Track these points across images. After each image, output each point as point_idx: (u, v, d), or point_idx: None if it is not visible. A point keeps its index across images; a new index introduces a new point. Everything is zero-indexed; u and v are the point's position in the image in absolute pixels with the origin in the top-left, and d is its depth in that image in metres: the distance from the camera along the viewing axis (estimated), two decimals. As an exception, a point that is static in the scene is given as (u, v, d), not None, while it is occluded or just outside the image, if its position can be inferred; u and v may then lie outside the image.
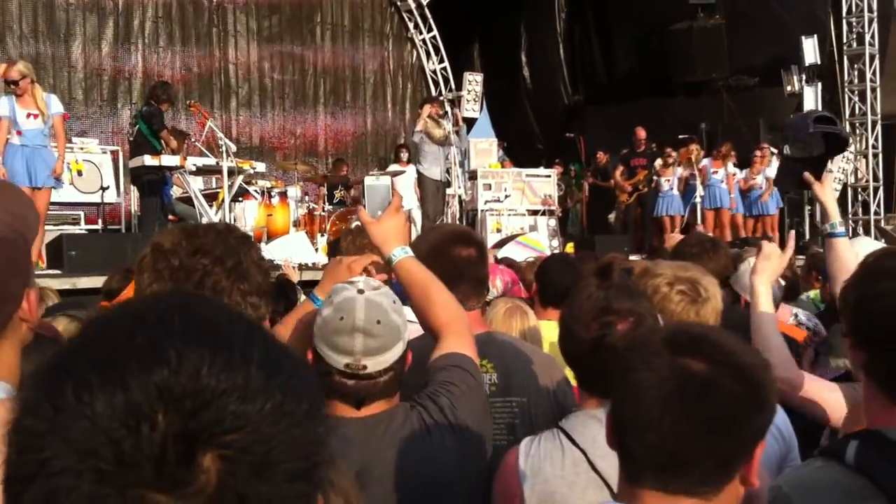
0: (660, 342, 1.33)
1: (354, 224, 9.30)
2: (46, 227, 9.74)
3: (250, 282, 1.90)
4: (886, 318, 1.64)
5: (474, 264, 2.62)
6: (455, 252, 2.59)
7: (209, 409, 0.67)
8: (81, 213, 12.12)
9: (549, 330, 3.69)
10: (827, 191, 3.06)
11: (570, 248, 13.17)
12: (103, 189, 11.27)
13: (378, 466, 1.93)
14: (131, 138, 10.31)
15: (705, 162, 14.64)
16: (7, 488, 0.67)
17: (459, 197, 14.90)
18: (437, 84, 18.57)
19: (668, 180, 14.50)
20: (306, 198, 12.69)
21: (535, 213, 14.61)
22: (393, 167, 13.62)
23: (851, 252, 2.92)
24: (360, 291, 1.95)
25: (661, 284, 2.57)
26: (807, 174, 2.96)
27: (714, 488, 1.29)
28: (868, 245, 5.63)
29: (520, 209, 14.64)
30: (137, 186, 10.70)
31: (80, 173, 11.69)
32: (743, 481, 1.31)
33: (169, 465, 0.65)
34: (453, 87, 18.51)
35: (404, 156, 14.07)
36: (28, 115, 8.63)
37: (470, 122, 18.81)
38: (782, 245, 2.82)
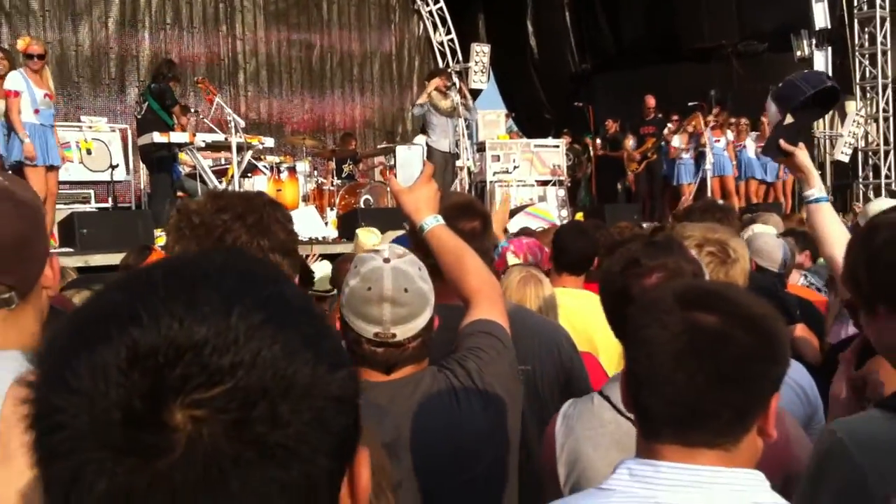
0: (671, 299, 1.35)
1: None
2: (57, 206, 9.80)
3: (272, 238, 1.88)
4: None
5: (478, 237, 2.61)
6: (458, 225, 2.57)
7: (178, 364, 0.62)
8: (91, 192, 12.18)
9: (565, 297, 3.68)
10: (806, 157, 3.03)
11: (579, 217, 13.15)
12: (113, 167, 11.29)
13: (407, 428, 1.94)
14: (139, 116, 10.31)
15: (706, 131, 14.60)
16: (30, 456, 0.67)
17: (468, 168, 14.88)
18: (444, 56, 18.49)
19: (687, 148, 14.44)
20: (315, 172, 12.69)
21: (544, 183, 14.57)
22: (418, 139, 13.55)
23: (836, 217, 2.92)
24: (387, 260, 1.96)
25: (689, 246, 2.58)
26: (782, 142, 2.93)
27: (732, 439, 1.31)
28: (885, 204, 5.59)
29: (528, 180, 14.61)
30: (147, 163, 10.73)
31: (89, 152, 11.72)
32: (760, 432, 1.33)
33: (136, 427, 0.61)
34: (460, 58, 18.43)
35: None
36: (44, 95, 8.65)
37: (477, 94, 18.74)
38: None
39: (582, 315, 3.45)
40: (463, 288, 2.22)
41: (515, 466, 2.16)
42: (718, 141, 14.48)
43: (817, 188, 2.92)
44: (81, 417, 0.62)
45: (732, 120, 15.01)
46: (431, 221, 2.29)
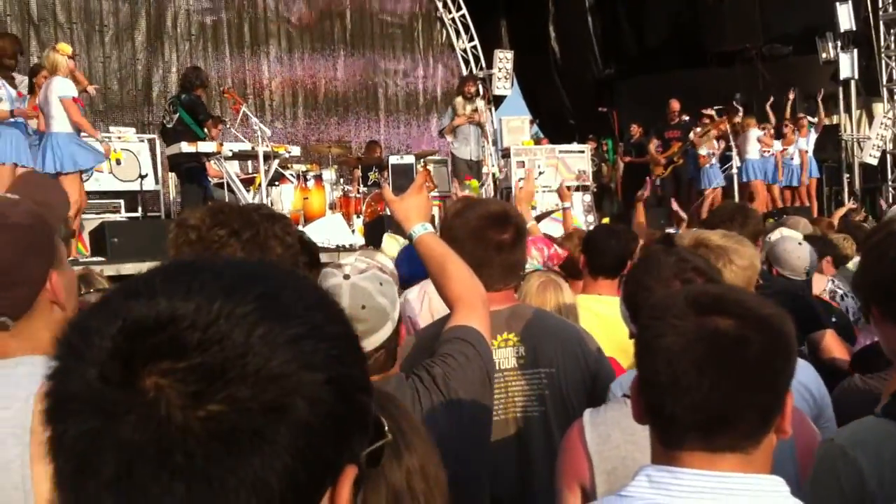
0: (683, 305, 1.35)
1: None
2: (88, 216, 9.92)
3: (267, 254, 1.91)
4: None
5: (506, 249, 2.61)
6: (487, 236, 2.59)
7: (156, 334, 0.67)
8: (122, 202, 12.32)
9: (600, 305, 3.64)
10: None
11: (605, 222, 13.12)
12: (142, 177, 11.42)
13: None
14: (169, 125, 10.41)
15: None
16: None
17: (493, 175, 14.89)
18: (467, 62, 18.53)
19: (714, 153, 14.37)
20: (341, 180, 12.77)
21: (569, 188, 14.55)
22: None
23: None
24: (346, 277, 2.01)
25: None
26: None
27: (755, 441, 1.32)
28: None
29: (554, 185, 14.58)
30: (177, 173, 10.83)
31: (118, 162, 11.85)
32: (778, 430, 1.35)
33: (107, 384, 0.66)
34: (484, 65, 18.46)
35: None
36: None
37: (501, 100, 18.77)
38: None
39: (616, 323, 3.45)
40: (446, 295, 2.26)
41: (485, 473, 2.18)
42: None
43: None
44: (72, 373, 0.69)
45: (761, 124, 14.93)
46: (419, 230, 2.33)
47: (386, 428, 0.82)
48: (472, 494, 2.14)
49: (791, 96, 15.58)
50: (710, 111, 14.22)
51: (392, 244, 6.02)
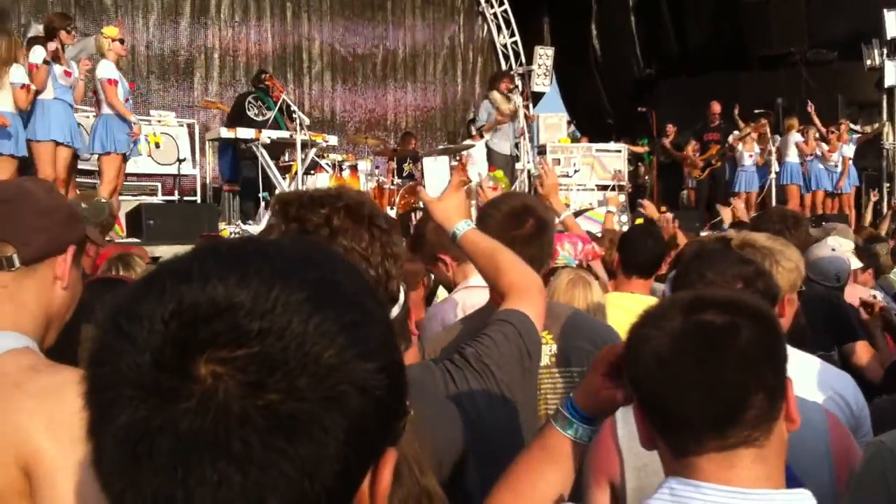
0: (667, 308, 1.35)
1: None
2: (126, 197, 10.05)
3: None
4: None
5: (528, 243, 2.57)
6: (510, 233, 2.56)
7: (213, 322, 0.67)
8: (159, 185, 12.48)
9: (629, 301, 3.67)
10: None
11: (639, 222, 13.06)
12: (180, 161, 11.54)
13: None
14: (260, 118, 10.67)
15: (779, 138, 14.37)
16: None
17: (529, 171, 14.86)
18: (507, 58, 18.48)
19: (751, 155, 14.23)
20: (376, 171, 12.81)
21: (604, 188, 14.51)
22: (467, 142, 13.62)
23: None
24: None
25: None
26: None
27: (766, 430, 1.29)
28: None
29: (589, 184, 14.56)
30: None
31: (157, 145, 11.98)
32: (786, 419, 1.32)
33: (162, 371, 0.66)
34: (524, 61, 18.41)
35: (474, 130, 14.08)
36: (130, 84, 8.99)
37: (539, 97, 18.70)
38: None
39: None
40: (500, 286, 2.24)
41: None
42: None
43: None
44: (123, 357, 0.68)
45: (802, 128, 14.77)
46: (463, 227, 2.31)
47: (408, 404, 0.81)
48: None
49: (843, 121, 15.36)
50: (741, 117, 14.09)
51: None
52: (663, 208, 6.89)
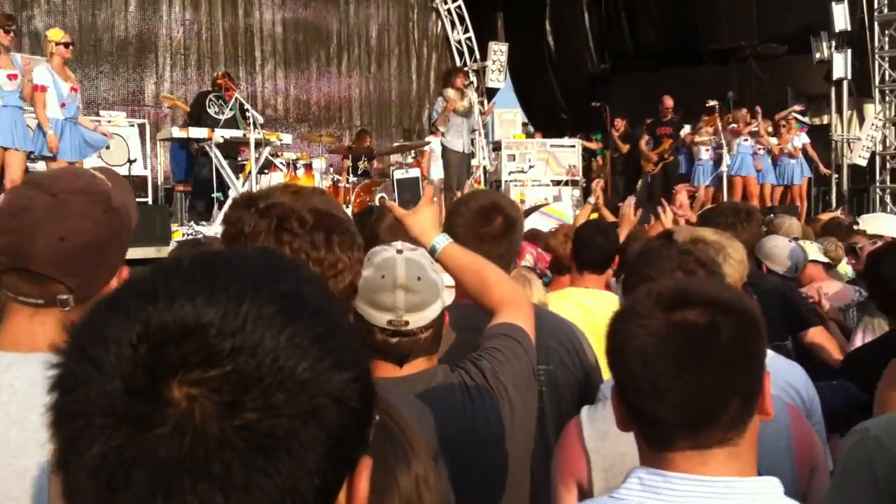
0: (649, 304, 1.35)
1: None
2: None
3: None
4: None
5: (496, 240, 2.58)
6: (479, 231, 2.57)
7: (183, 343, 0.64)
8: (110, 186, 12.26)
9: (585, 297, 3.71)
10: None
11: (594, 216, 13.14)
12: (130, 162, 11.37)
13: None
14: (221, 118, 10.54)
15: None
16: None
17: (484, 168, 14.88)
18: (461, 54, 18.48)
19: (707, 149, 14.35)
20: (331, 169, 12.74)
21: (558, 183, 14.57)
22: (429, 138, 13.57)
23: None
24: (399, 252, 2.02)
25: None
26: None
27: (742, 428, 1.31)
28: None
29: (544, 180, 14.62)
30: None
31: (107, 146, 11.80)
32: (760, 412, 1.34)
33: (134, 397, 0.64)
34: (478, 57, 18.42)
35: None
36: (70, 89, 8.71)
37: (494, 92, 18.73)
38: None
39: (602, 316, 3.45)
40: (488, 301, 2.24)
41: (528, 467, 2.17)
42: (747, 140, 14.35)
43: None
44: (90, 384, 0.65)
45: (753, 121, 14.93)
46: (442, 241, 2.32)
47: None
48: (526, 481, 2.16)
49: (798, 107, 15.56)
50: (712, 102, 14.13)
51: None
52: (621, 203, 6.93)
